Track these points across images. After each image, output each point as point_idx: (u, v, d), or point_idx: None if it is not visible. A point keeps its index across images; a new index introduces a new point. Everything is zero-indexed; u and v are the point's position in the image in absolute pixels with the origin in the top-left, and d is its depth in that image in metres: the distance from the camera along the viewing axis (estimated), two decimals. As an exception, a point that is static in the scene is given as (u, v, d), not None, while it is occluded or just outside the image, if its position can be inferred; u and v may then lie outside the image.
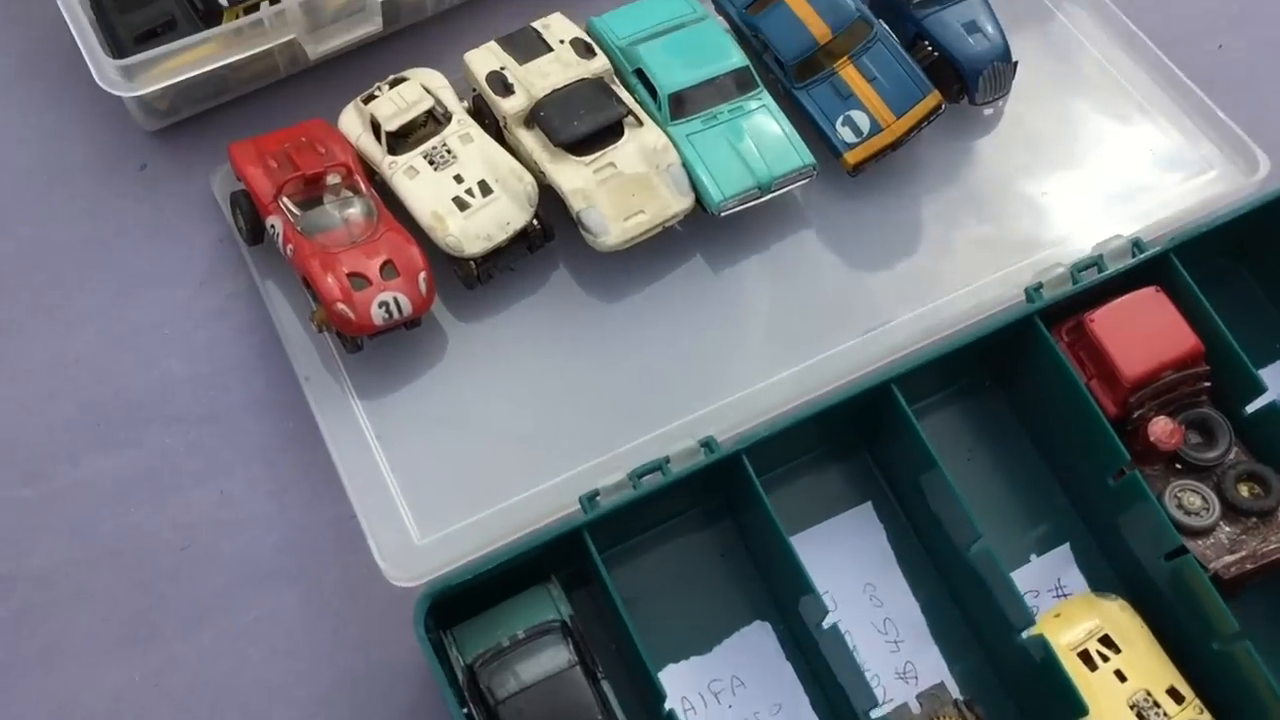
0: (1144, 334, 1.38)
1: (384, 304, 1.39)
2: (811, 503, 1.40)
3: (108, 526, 1.40)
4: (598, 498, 1.29)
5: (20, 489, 1.41)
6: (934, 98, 1.50)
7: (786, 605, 1.34)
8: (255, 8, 1.50)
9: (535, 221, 1.47)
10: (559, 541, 1.26)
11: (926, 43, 1.56)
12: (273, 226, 1.44)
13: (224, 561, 1.38)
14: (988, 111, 1.60)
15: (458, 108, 1.53)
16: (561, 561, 1.31)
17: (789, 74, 1.53)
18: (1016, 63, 1.55)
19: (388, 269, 1.41)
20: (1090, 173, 1.56)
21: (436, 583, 1.21)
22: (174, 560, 1.38)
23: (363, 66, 1.64)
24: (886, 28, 1.55)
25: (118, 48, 1.52)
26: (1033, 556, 1.39)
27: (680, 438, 1.32)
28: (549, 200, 1.49)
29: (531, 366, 1.45)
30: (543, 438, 1.40)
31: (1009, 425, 1.45)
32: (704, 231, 1.52)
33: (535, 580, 1.30)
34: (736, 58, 1.52)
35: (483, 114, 1.54)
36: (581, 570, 1.33)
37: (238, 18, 1.51)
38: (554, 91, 1.49)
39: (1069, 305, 1.41)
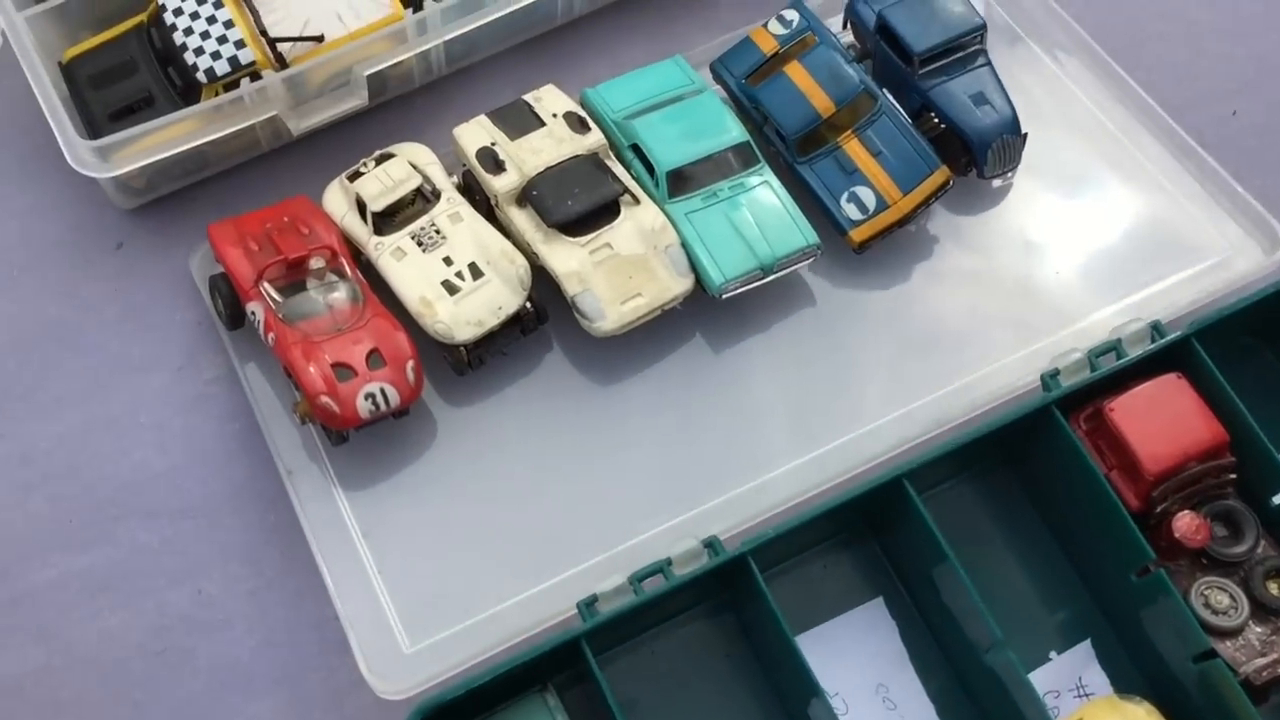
0: (1166, 424, 1.32)
1: (370, 395, 1.33)
2: (819, 599, 1.33)
3: (79, 630, 1.32)
4: (596, 604, 1.22)
5: (-14, 590, 1.35)
6: (942, 174, 1.45)
7: (795, 709, 1.28)
8: (235, 84, 1.45)
9: (529, 304, 1.41)
10: (556, 650, 1.20)
11: (933, 114, 1.51)
12: (253, 313, 1.38)
13: (201, 665, 1.31)
14: (996, 184, 1.55)
15: (447, 185, 1.47)
16: (557, 666, 1.24)
17: (791, 148, 1.48)
18: (1026, 135, 1.50)
19: (374, 358, 1.34)
20: (1105, 250, 1.51)
21: (429, 698, 1.14)
22: (148, 665, 1.31)
23: (348, 140, 1.58)
24: (892, 100, 1.50)
25: (92, 125, 1.46)
26: (1052, 654, 1.32)
27: (681, 536, 1.26)
28: (542, 280, 1.43)
29: (525, 457, 1.39)
30: (537, 536, 1.33)
31: (1023, 512, 1.39)
32: (704, 312, 1.46)
33: (528, 684, 1.24)
34: (737, 132, 1.47)
35: (473, 190, 1.49)
36: (577, 672, 1.27)
37: (217, 94, 1.45)
38: (547, 169, 1.44)
39: (1087, 391, 1.36)
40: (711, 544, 1.26)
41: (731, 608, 1.34)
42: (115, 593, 1.34)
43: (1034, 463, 1.39)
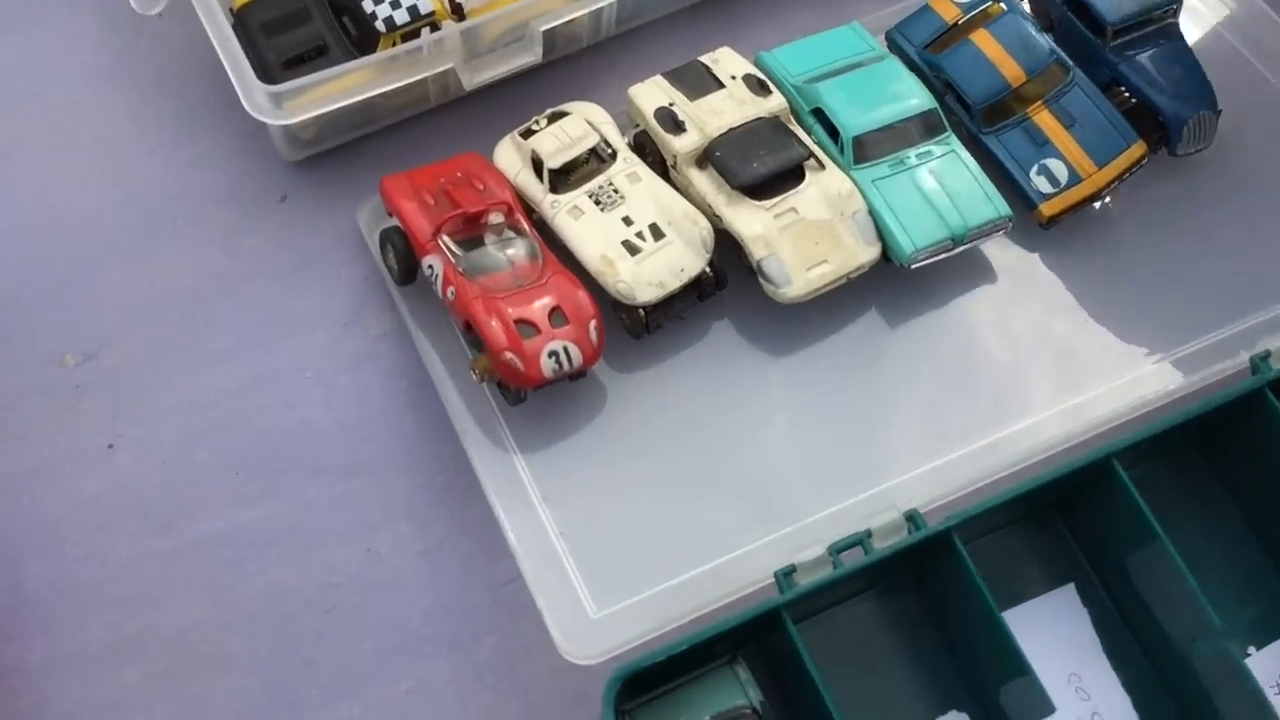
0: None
1: (554, 354, 1.29)
2: (1010, 582, 1.28)
3: (246, 585, 1.29)
4: (794, 574, 1.18)
5: (152, 541, 1.31)
6: (1139, 147, 1.40)
7: (987, 694, 1.23)
8: (415, 34, 1.41)
9: (709, 269, 1.37)
10: (754, 621, 1.16)
11: (1123, 89, 1.46)
12: (430, 267, 1.35)
13: (371, 626, 1.28)
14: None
15: (622, 145, 1.43)
16: (745, 637, 1.20)
17: (976, 118, 1.43)
18: (1220, 111, 1.45)
19: (556, 316, 1.31)
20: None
21: (626, 664, 1.10)
22: (318, 623, 1.28)
23: (514, 97, 1.54)
24: (1082, 73, 1.44)
25: (265, 73, 1.42)
26: (1251, 649, 1.27)
27: (874, 509, 1.21)
28: (720, 246, 1.39)
29: (704, 426, 1.35)
30: (720, 504, 1.29)
31: (1219, 501, 1.33)
32: (885, 282, 1.41)
33: (712, 655, 1.19)
34: (924, 99, 1.42)
35: (645, 151, 1.45)
36: (760, 645, 1.22)
37: (394, 45, 1.42)
38: (729, 130, 1.40)
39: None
40: (912, 517, 1.21)
41: (916, 586, 1.29)
42: (283, 548, 1.31)
43: (1237, 449, 1.33)
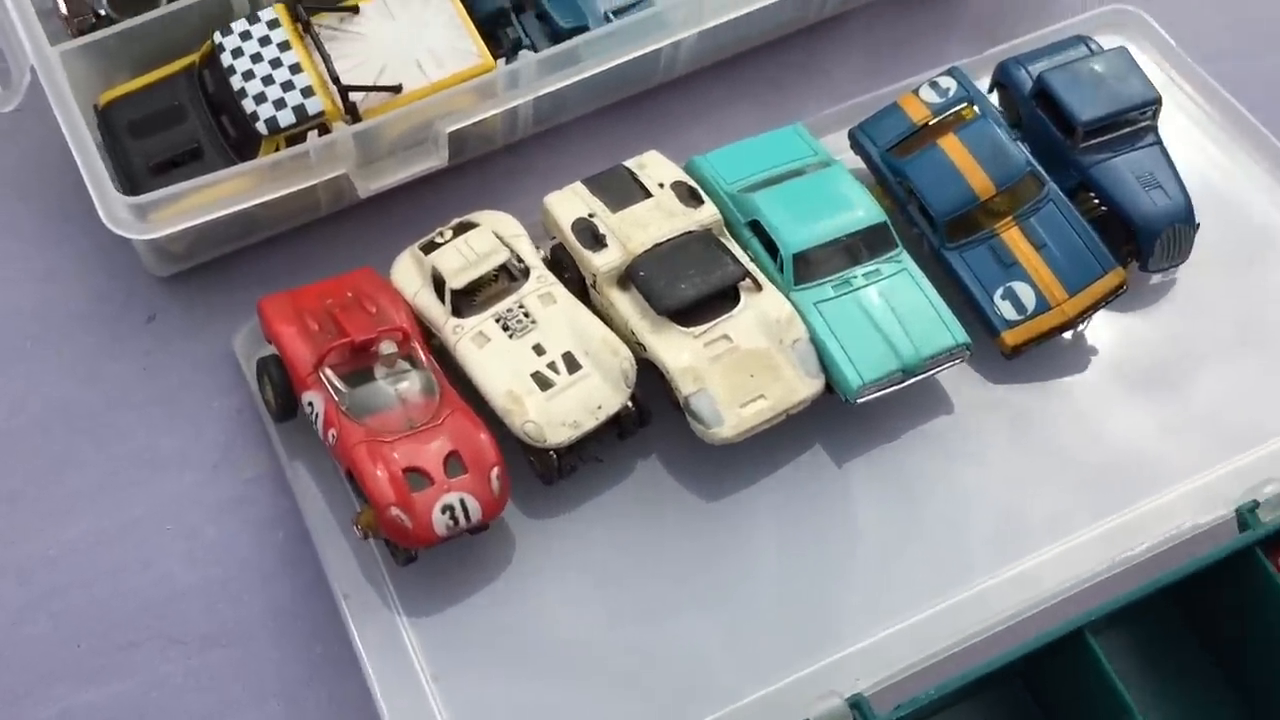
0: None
1: (448, 508, 1.12)
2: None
3: (84, 783, 1.10)
4: (720, 778, 1.01)
5: (-26, 730, 1.12)
6: (1115, 275, 1.25)
7: None
8: (300, 138, 1.26)
9: (631, 404, 1.21)
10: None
11: (1092, 195, 1.32)
12: (310, 405, 1.17)
13: (230, 833, 1.09)
14: (1156, 279, 1.36)
15: (536, 260, 1.27)
16: None
17: (939, 231, 1.29)
18: (1199, 225, 1.32)
19: (453, 463, 1.14)
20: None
21: None
22: (165, 829, 1.09)
23: (418, 204, 1.38)
24: (1057, 189, 1.31)
25: (130, 179, 1.26)
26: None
27: (816, 691, 1.05)
28: (646, 375, 1.23)
29: (621, 584, 1.18)
30: (637, 680, 1.12)
31: (1204, 673, 1.18)
32: (828, 416, 1.25)
33: None
34: (873, 212, 1.27)
35: (564, 268, 1.29)
36: None
37: (278, 148, 1.26)
38: (655, 246, 1.24)
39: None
40: (858, 705, 1.05)
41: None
42: (130, 737, 1.13)
43: (1222, 611, 1.18)
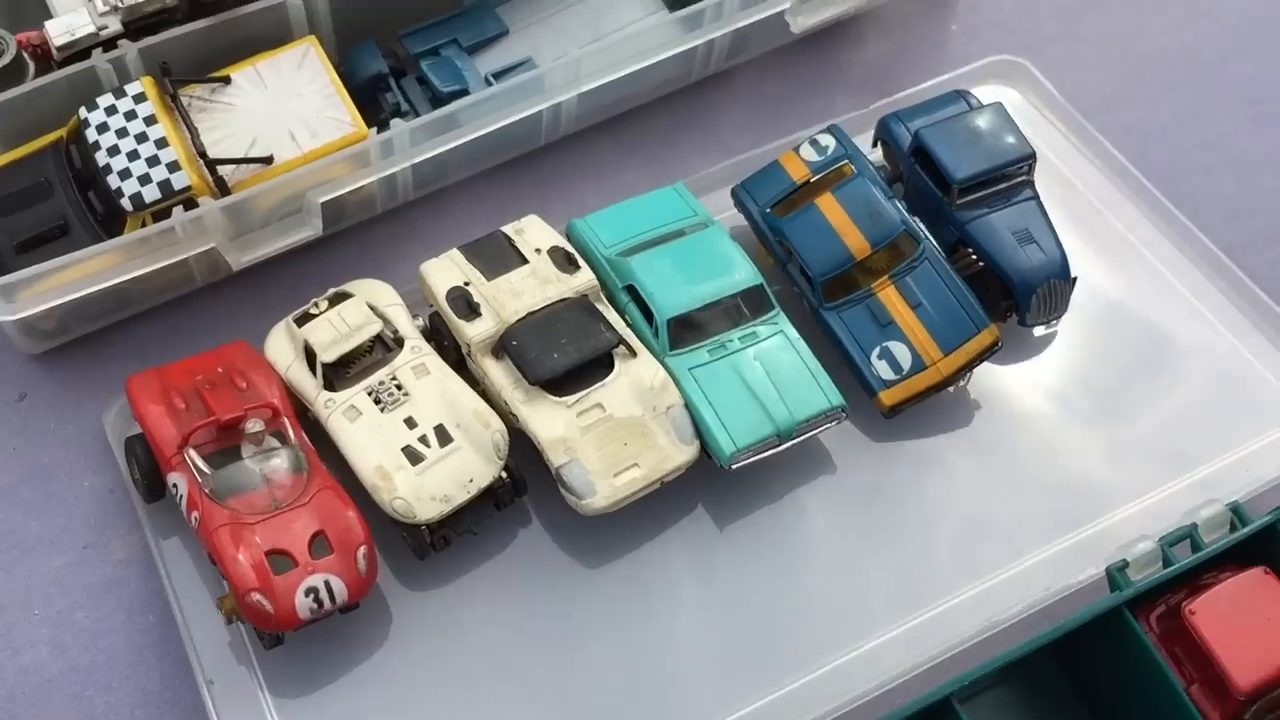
0: (1256, 629, 1.10)
1: (312, 590, 1.10)
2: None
3: None
4: None
5: None
6: (989, 334, 1.25)
7: None
8: (166, 213, 1.24)
9: (504, 474, 1.20)
10: None
11: (970, 250, 1.32)
12: (175, 486, 1.15)
13: None
14: (1039, 333, 1.36)
15: (411, 330, 1.26)
16: None
17: (817, 291, 1.29)
18: (1075, 279, 1.32)
19: (319, 543, 1.12)
20: (1168, 416, 1.30)
21: None
22: None
23: (297, 274, 1.37)
24: (935, 245, 1.31)
25: (-3, 257, 1.25)
26: None
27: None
28: (521, 444, 1.22)
29: (499, 658, 1.16)
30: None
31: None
32: (707, 480, 1.25)
33: None
34: (748, 273, 1.27)
35: (442, 336, 1.28)
36: None
37: (144, 224, 1.24)
38: (529, 315, 1.23)
39: (1157, 586, 1.16)
40: (732, 782, 1.04)
41: None
42: (-11, 836, 1.10)
43: (1092, 670, 1.17)
